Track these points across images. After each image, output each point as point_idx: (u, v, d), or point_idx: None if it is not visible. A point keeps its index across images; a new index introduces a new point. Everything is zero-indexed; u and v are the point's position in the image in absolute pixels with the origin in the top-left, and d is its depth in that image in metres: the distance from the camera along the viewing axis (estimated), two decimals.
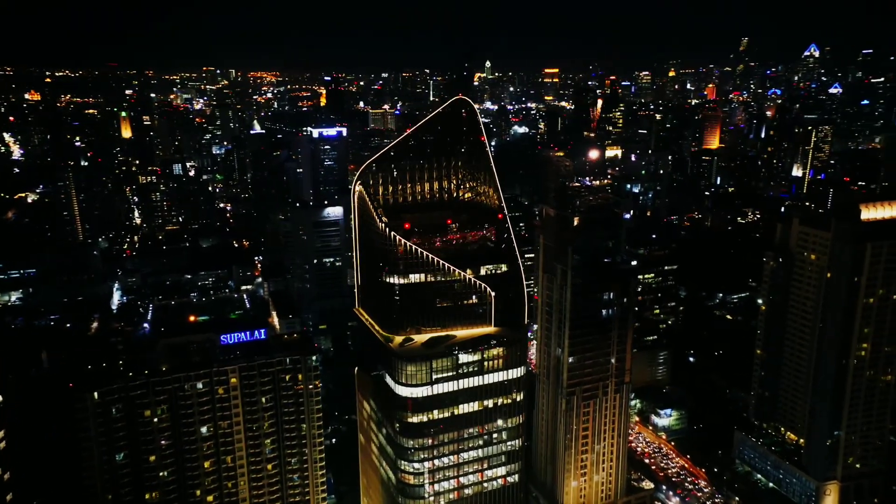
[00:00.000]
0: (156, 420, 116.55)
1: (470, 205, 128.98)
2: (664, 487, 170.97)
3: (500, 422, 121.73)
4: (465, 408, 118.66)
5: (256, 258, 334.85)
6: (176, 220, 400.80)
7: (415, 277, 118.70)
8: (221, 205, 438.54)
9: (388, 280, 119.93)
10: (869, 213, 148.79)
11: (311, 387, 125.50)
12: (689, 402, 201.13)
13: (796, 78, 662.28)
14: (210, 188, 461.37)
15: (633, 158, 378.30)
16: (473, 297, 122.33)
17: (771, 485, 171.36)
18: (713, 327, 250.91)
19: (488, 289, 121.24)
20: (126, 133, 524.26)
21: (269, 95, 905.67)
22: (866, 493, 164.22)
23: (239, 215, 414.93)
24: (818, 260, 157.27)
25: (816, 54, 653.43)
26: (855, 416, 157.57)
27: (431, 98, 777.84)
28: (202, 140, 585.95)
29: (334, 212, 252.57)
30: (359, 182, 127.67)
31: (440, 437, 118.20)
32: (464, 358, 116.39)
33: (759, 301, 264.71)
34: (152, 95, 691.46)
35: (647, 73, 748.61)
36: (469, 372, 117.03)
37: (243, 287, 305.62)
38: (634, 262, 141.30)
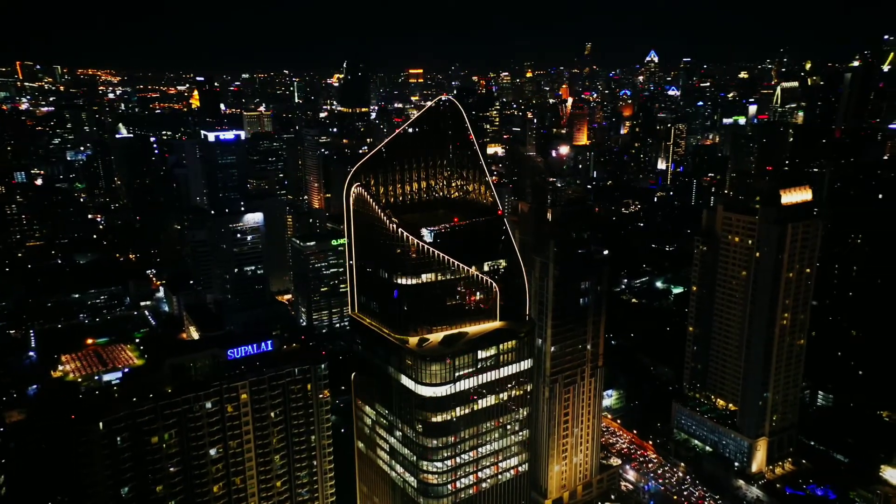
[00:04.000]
0: (164, 446, 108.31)
1: (466, 202, 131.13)
2: (620, 462, 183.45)
3: (512, 413, 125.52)
4: (483, 402, 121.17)
5: (150, 272, 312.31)
6: (38, 235, 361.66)
7: (426, 277, 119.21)
8: (90, 216, 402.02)
9: (398, 281, 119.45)
10: (787, 197, 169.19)
11: (320, 396, 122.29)
12: (623, 381, 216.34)
13: (640, 80, 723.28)
14: (75, 198, 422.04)
15: (553, 154, 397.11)
16: (478, 293, 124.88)
17: (708, 448, 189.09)
18: (624, 310, 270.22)
19: (494, 284, 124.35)
20: None
21: (112, 96, 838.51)
22: (785, 445, 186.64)
23: (115, 227, 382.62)
24: (741, 242, 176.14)
25: (656, 59, 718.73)
26: (779, 379, 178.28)
27: (297, 100, 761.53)
28: (49, 145, 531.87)
29: (254, 218, 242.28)
30: (355, 184, 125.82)
31: (461, 434, 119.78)
32: (482, 353, 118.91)
33: (660, 284, 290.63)
34: None
35: (506, 73, 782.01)
36: (487, 367, 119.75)
37: (142, 303, 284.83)
38: (606, 252, 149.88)
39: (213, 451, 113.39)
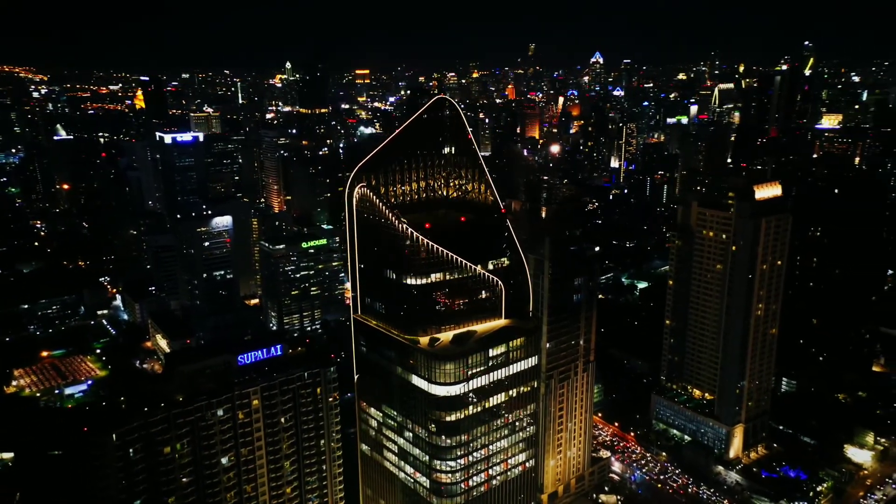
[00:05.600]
0: (176, 456, 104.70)
1: (466, 202, 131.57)
2: (610, 454, 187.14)
3: (520, 410, 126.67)
4: (493, 400, 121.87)
5: (103, 279, 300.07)
6: None
7: (435, 276, 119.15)
8: (30, 222, 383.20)
9: (406, 282, 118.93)
10: (760, 193, 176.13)
11: (329, 399, 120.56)
12: (599, 375, 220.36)
13: (586, 80, 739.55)
14: (10, 204, 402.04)
15: (524, 153, 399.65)
16: (484, 291, 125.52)
17: (687, 437, 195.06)
18: None
19: (499, 282, 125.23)
20: None
21: (38, 95, 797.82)
22: (758, 430, 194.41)
23: (58, 233, 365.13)
24: (716, 236, 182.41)
25: (601, 61, 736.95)
26: (754, 367, 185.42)
27: (241, 101, 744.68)
28: None
29: (222, 222, 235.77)
30: (358, 185, 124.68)
31: (473, 432, 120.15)
32: (492, 351, 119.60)
33: (624, 279, 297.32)
34: None
35: (452, 74, 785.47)
36: (497, 364, 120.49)
37: (99, 312, 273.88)
38: (597, 248, 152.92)
39: (224, 460, 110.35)
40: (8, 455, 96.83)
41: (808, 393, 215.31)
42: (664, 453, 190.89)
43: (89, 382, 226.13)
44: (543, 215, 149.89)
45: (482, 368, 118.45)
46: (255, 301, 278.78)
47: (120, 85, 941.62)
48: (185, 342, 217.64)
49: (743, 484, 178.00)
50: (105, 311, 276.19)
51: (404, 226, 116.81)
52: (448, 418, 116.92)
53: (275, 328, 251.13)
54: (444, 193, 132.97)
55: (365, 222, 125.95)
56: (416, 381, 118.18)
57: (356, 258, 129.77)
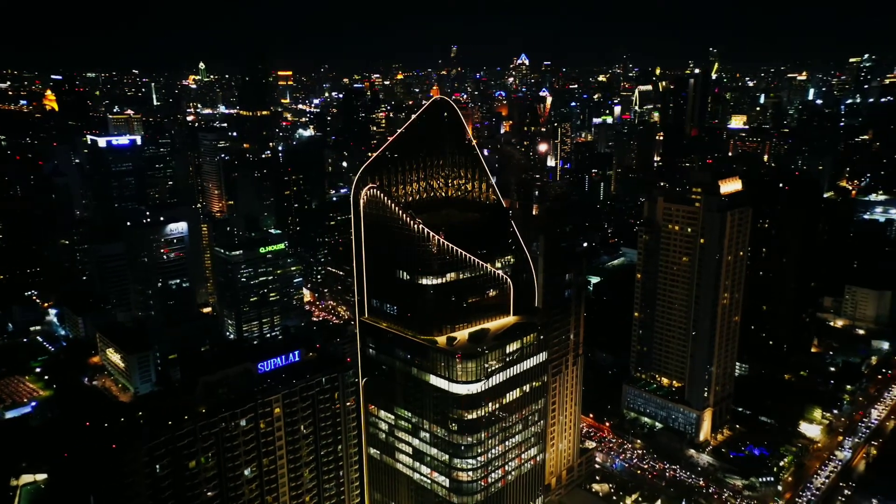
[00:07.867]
0: (201, 470, 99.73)
1: (467, 201, 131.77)
2: (595, 445, 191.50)
3: (532, 405, 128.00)
4: (509, 396, 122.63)
5: (30, 293, 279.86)
6: None
7: (449, 276, 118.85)
8: None
9: (421, 282, 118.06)
10: (724, 188, 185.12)
11: (347, 404, 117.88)
12: None
13: (511, 81, 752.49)
14: None
15: (485, 153, 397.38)
16: (493, 289, 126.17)
17: (658, 424, 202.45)
18: None
19: (508, 279, 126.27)
20: None
21: None
22: (724, 413, 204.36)
23: None
24: (681, 230, 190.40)
25: (527, 62, 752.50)
26: (721, 353, 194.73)
27: (156, 102, 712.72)
28: None
29: (178, 228, 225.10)
30: (367, 186, 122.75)
31: (492, 429, 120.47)
32: (508, 348, 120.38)
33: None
34: None
35: (377, 75, 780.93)
36: (513, 361, 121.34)
37: (32, 328, 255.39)
38: (585, 244, 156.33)
39: (247, 471, 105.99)
40: (41, 476, 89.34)
41: (760, 375, 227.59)
42: (639, 440, 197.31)
43: (33, 404, 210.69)
44: (534, 212, 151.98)
45: (500, 365, 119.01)
46: (207, 309, 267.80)
47: (8, 83, 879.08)
48: (142, 355, 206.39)
49: (715, 464, 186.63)
50: (38, 328, 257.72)
51: (419, 226, 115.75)
52: (468, 416, 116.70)
53: (233, 336, 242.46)
54: (445, 193, 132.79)
55: (372, 223, 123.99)
56: (435, 380, 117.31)
57: (363, 261, 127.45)
